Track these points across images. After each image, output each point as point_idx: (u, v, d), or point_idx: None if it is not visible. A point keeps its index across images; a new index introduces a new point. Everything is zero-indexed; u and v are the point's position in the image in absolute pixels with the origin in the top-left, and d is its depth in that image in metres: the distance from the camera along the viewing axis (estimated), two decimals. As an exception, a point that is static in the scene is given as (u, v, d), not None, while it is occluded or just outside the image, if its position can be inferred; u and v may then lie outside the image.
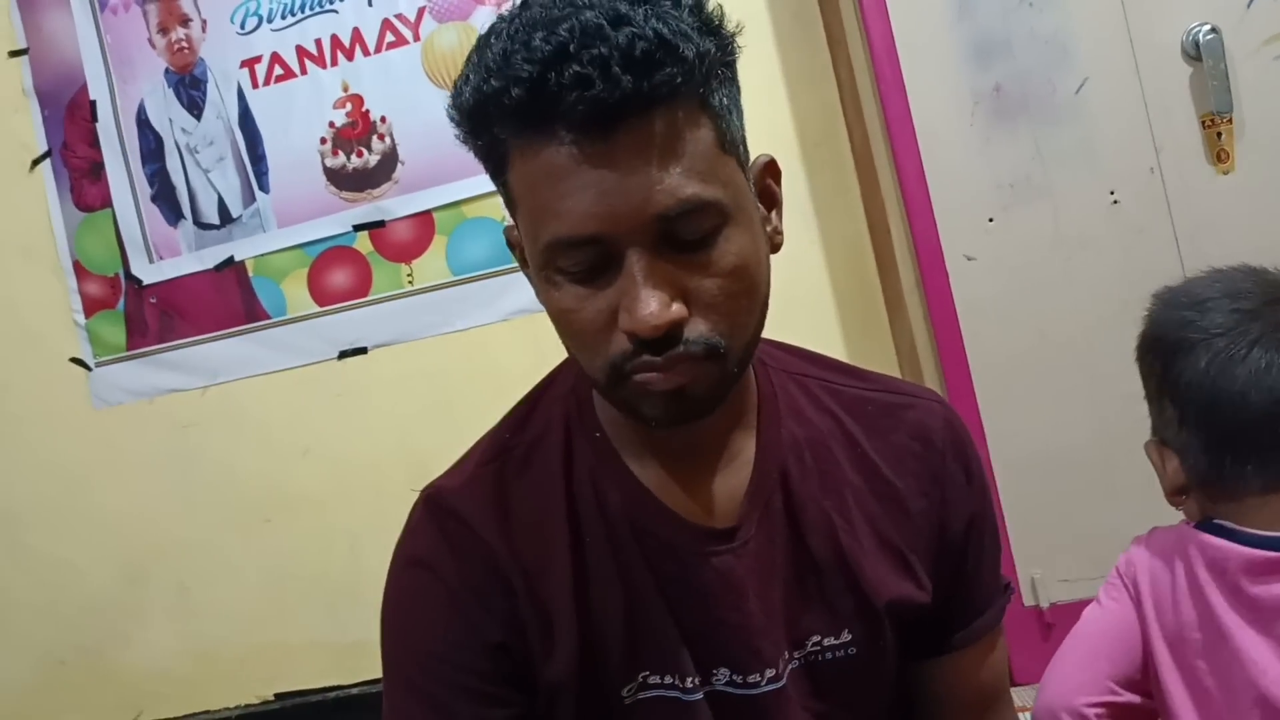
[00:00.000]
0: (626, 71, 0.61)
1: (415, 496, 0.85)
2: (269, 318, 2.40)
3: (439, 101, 2.29)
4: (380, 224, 2.34)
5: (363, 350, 2.38)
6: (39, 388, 2.48)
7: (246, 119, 2.38)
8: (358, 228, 2.35)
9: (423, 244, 2.34)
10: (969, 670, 0.90)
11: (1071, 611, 1.86)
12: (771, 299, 0.75)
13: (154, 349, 2.44)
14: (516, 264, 0.78)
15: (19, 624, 2.53)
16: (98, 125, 2.42)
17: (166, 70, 2.41)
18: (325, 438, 2.40)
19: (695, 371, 0.68)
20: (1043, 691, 0.99)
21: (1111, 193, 1.85)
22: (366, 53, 2.33)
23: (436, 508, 0.82)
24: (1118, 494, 1.84)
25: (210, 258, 2.40)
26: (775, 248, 0.76)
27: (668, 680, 0.80)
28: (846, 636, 0.82)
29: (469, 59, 0.68)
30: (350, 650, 2.38)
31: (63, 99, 2.44)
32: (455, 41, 2.30)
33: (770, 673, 0.80)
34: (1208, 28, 1.78)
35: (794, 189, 2.23)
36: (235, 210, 2.40)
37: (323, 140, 2.36)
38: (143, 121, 2.42)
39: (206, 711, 2.47)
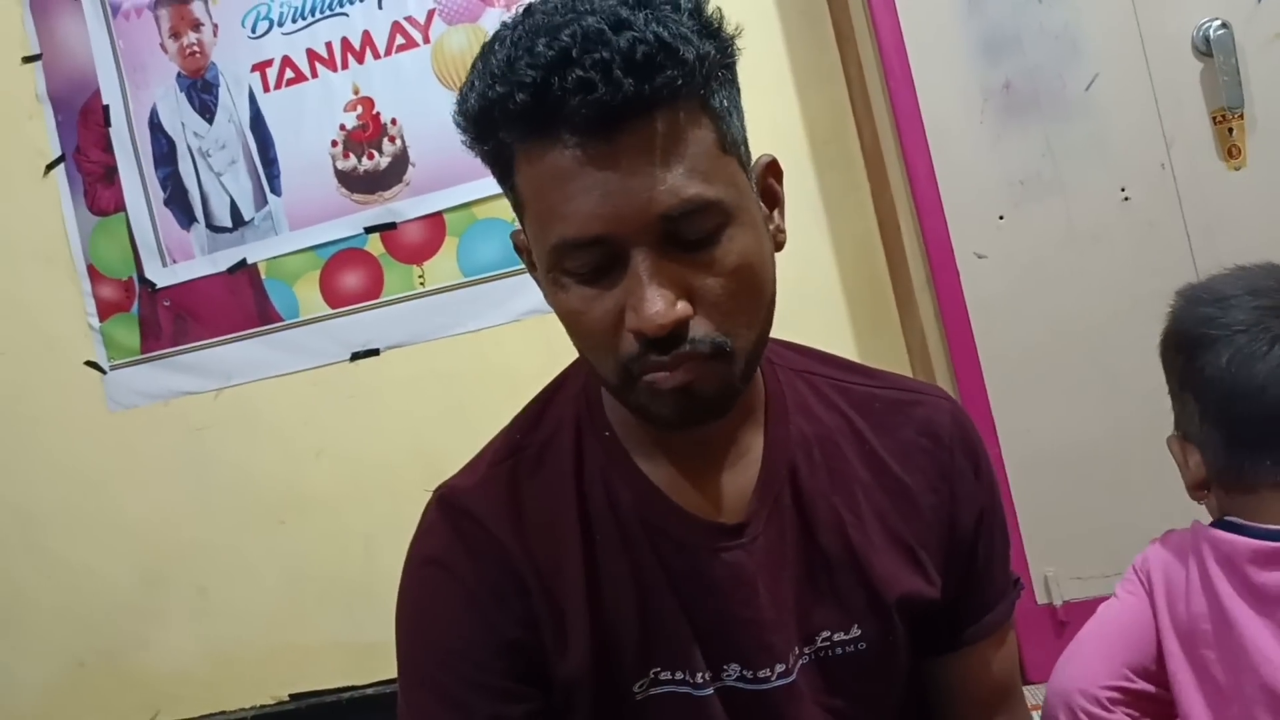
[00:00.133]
0: (628, 75, 0.62)
1: (429, 497, 0.86)
2: (281, 320, 2.42)
3: (449, 103, 2.26)
4: (391, 226, 2.35)
5: (375, 352, 2.39)
6: (55, 391, 2.50)
7: (258, 122, 2.40)
8: (369, 230, 2.36)
9: (434, 245, 2.35)
10: (980, 666, 0.90)
11: (1085, 609, 1.86)
12: (782, 297, 0.75)
13: (168, 352, 2.46)
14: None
15: (38, 626, 2.55)
16: (111, 130, 2.44)
17: (178, 74, 2.42)
18: (338, 439, 2.41)
19: (702, 370, 0.69)
20: (1055, 677, 0.99)
21: (1122, 189, 1.85)
22: (377, 55, 2.34)
23: (450, 507, 0.83)
24: (1131, 491, 1.84)
25: (223, 260, 2.42)
26: (778, 246, 0.76)
27: (679, 676, 0.81)
28: (857, 632, 0.82)
29: (473, 66, 0.70)
30: (366, 651, 2.39)
31: (76, 104, 2.46)
32: (465, 43, 2.31)
33: (780, 668, 0.81)
34: (1218, 23, 1.77)
35: (804, 187, 2.23)
36: (247, 213, 2.41)
37: (334, 143, 2.37)
38: (155, 126, 2.44)
39: (223, 712, 2.48)
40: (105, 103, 2.44)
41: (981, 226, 1.89)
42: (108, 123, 2.44)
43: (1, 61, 2.47)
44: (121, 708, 2.51)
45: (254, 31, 2.38)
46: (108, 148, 2.44)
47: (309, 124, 2.37)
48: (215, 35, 2.40)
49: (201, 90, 2.42)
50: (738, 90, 0.72)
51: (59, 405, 2.50)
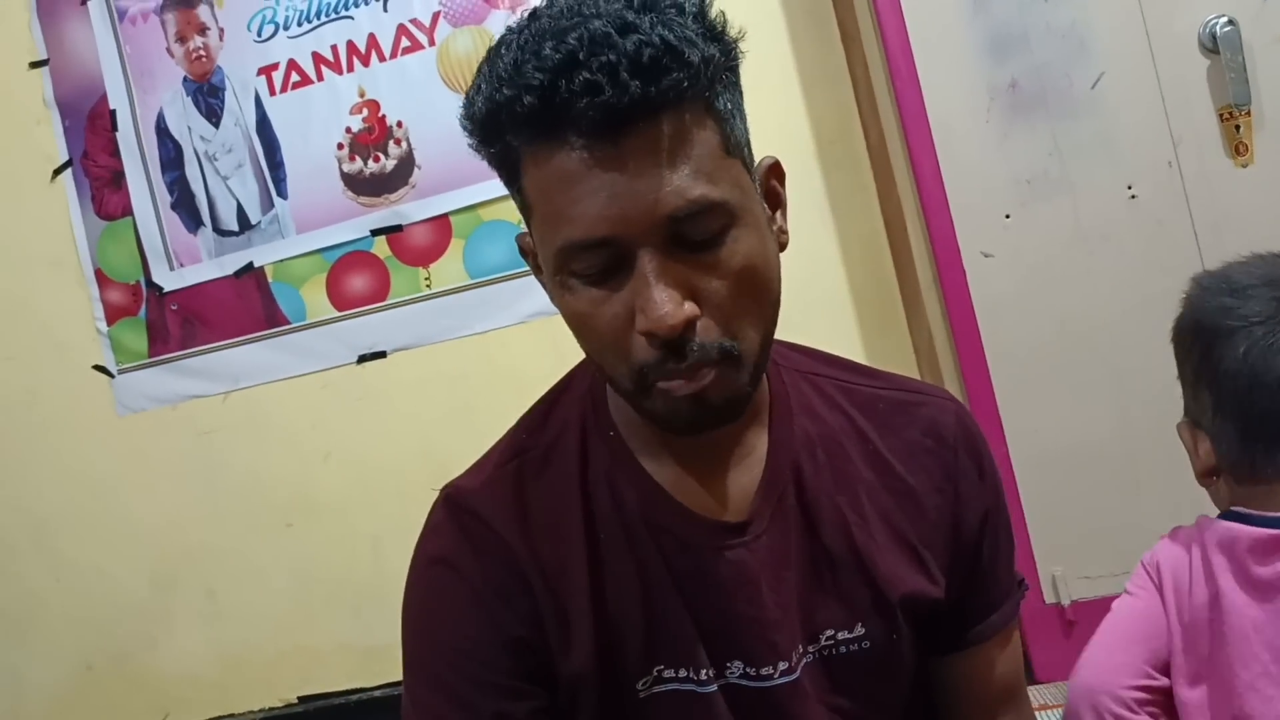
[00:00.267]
0: (634, 77, 0.63)
1: (431, 505, 0.86)
2: (289, 323, 2.42)
3: (455, 106, 2.28)
4: (398, 228, 2.36)
5: (382, 354, 2.40)
6: (63, 395, 2.51)
7: (264, 126, 2.40)
8: (375, 232, 2.37)
9: (440, 248, 2.35)
10: (984, 666, 0.90)
11: (1093, 608, 1.86)
12: (788, 298, 0.76)
13: (176, 355, 2.47)
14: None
15: (47, 629, 2.56)
16: (118, 134, 2.45)
17: (185, 79, 2.43)
18: (346, 442, 2.42)
19: (714, 375, 0.70)
20: (1077, 676, 0.99)
21: (1129, 187, 1.84)
22: (382, 58, 2.35)
23: (456, 507, 0.83)
24: (1139, 490, 1.83)
25: (230, 264, 2.42)
26: (782, 247, 0.77)
27: (683, 674, 0.81)
28: (861, 630, 0.83)
29: (479, 69, 0.70)
30: (374, 653, 2.39)
31: (83, 109, 2.47)
32: (470, 46, 2.31)
33: (784, 665, 0.81)
34: (1224, 20, 1.77)
35: (810, 187, 2.23)
36: (254, 217, 2.42)
37: (340, 146, 2.37)
38: (162, 130, 2.45)
39: (232, 715, 2.49)
40: (112, 107, 2.45)
41: (988, 226, 1.89)
42: (115, 127, 2.45)
43: (9, 67, 2.48)
44: (131, 710, 2.52)
45: (260, 35, 2.39)
46: (115, 152, 2.45)
47: (315, 127, 2.38)
48: (221, 39, 2.41)
49: (208, 94, 2.42)
50: (741, 93, 0.73)
51: (68, 409, 2.51)
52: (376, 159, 2.36)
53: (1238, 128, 1.80)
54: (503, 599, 0.80)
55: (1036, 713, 0.98)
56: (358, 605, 2.41)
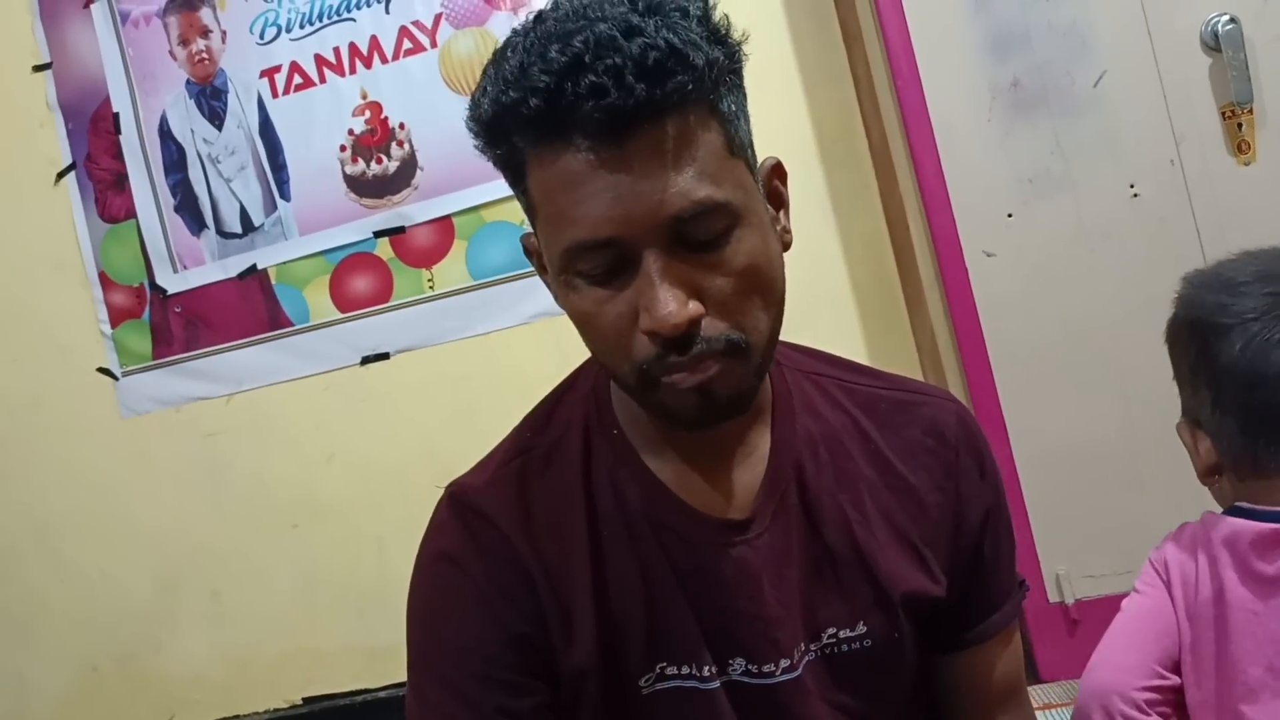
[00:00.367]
0: (640, 80, 0.64)
1: (436, 503, 0.87)
2: (292, 325, 2.43)
3: (457, 107, 2.30)
4: (400, 230, 2.36)
5: (385, 356, 2.40)
6: (68, 398, 2.52)
7: (267, 128, 2.41)
8: (378, 234, 2.37)
9: (443, 249, 2.36)
10: (985, 666, 0.91)
11: (1097, 607, 1.86)
12: (792, 297, 0.77)
13: (179, 358, 2.47)
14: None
15: (52, 631, 2.56)
16: (121, 137, 2.45)
17: (188, 81, 2.44)
18: (350, 443, 2.42)
19: (719, 366, 0.70)
20: (1089, 677, 0.99)
21: (1132, 185, 1.84)
22: (384, 60, 2.35)
23: (460, 505, 0.84)
24: (1143, 488, 1.83)
25: (233, 266, 2.43)
26: (785, 246, 0.77)
27: (685, 670, 0.82)
28: (862, 629, 0.83)
29: (485, 72, 0.71)
30: (379, 654, 2.39)
31: (86, 112, 2.47)
32: (472, 47, 2.31)
33: (785, 663, 0.82)
34: (1226, 18, 1.77)
35: (812, 187, 2.23)
36: (257, 219, 2.42)
37: (342, 148, 2.37)
38: (165, 133, 2.45)
39: (237, 716, 2.49)
40: (115, 110, 2.45)
41: (990, 224, 1.89)
42: (118, 130, 2.45)
43: (12, 70, 2.49)
44: (136, 712, 2.53)
45: (262, 38, 2.40)
46: (118, 155, 2.46)
47: (318, 129, 2.38)
48: (224, 42, 2.41)
49: (211, 97, 2.43)
50: (745, 94, 0.74)
51: (71, 412, 2.52)
52: (379, 161, 2.36)
53: (1240, 126, 1.80)
54: (506, 596, 0.81)
55: (1041, 712, 0.98)
56: (362, 606, 2.41)
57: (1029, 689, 0.99)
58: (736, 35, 0.72)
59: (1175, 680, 0.95)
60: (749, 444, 0.83)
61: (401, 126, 2.35)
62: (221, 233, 2.44)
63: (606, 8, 0.67)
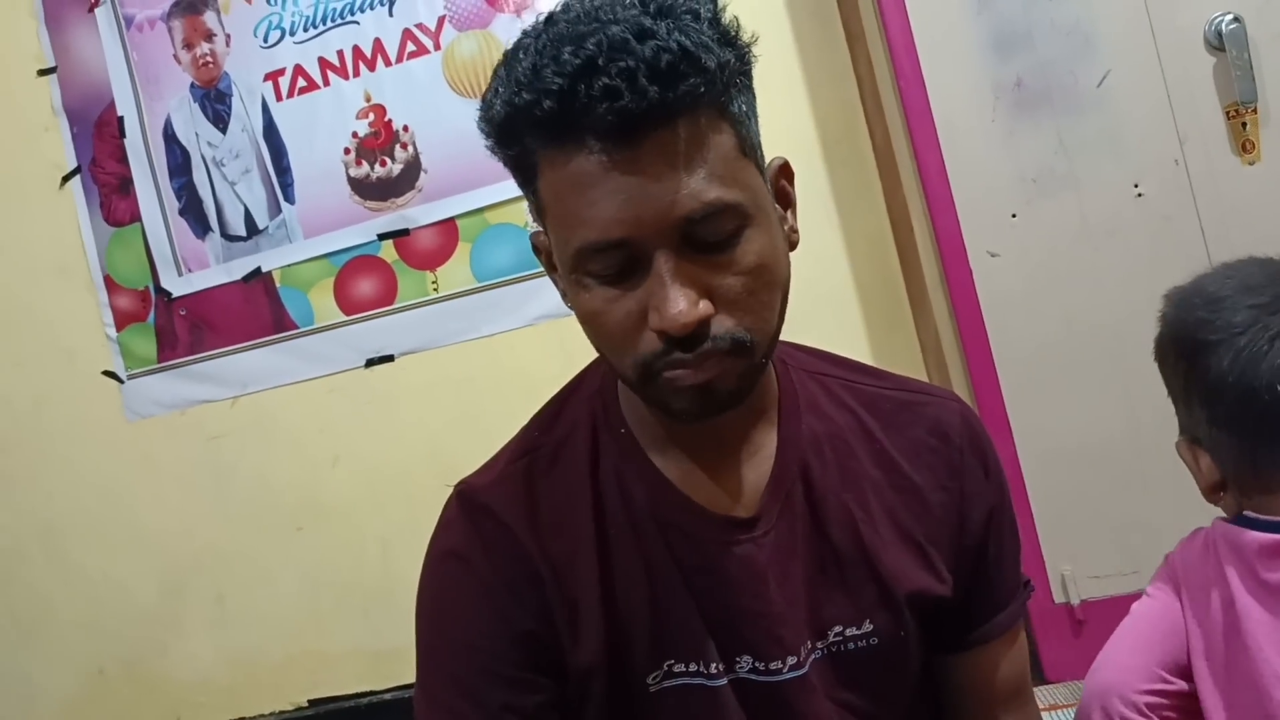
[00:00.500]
0: (653, 83, 0.64)
1: (446, 497, 0.88)
2: (296, 328, 2.43)
3: (461, 110, 2.30)
4: (404, 232, 2.36)
5: (390, 358, 2.40)
6: (73, 401, 2.52)
7: (271, 131, 2.41)
8: (382, 236, 2.37)
9: (447, 251, 2.36)
10: (989, 666, 0.91)
11: (1103, 607, 1.86)
12: (795, 297, 0.77)
13: (184, 361, 2.47)
14: (541, 269, 0.81)
15: (58, 634, 2.57)
16: (126, 141, 2.46)
17: (192, 85, 2.44)
18: (354, 446, 2.42)
19: (723, 366, 0.71)
20: (1092, 678, 0.99)
21: (1136, 185, 1.84)
22: (388, 63, 2.35)
23: (469, 503, 0.85)
24: (1148, 488, 1.83)
25: (238, 269, 2.43)
26: (792, 245, 0.78)
27: (693, 668, 0.82)
28: (868, 627, 0.84)
29: (496, 73, 0.71)
30: (384, 656, 2.40)
31: (91, 116, 2.48)
32: (475, 49, 2.31)
33: (792, 660, 0.82)
34: (1230, 16, 1.76)
35: (816, 187, 2.23)
36: (262, 222, 2.42)
37: (346, 150, 2.38)
38: (169, 136, 2.46)
39: (242, 719, 2.49)
40: (120, 114, 2.46)
41: (994, 224, 1.89)
42: (123, 134, 2.46)
43: (17, 75, 2.49)
44: (142, 715, 2.53)
45: (266, 41, 2.40)
46: (123, 159, 2.46)
47: (321, 132, 2.38)
48: (228, 45, 2.42)
49: (215, 100, 2.43)
50: (754, 95, 0.74)
51: (77, 415, 2.52)
52: (383, 163, 2.36)
53: (1244, 125, 1.80)
54: (513, 593, 0.81)
55: (1047, 713, 0.98)
56: (367, 608, 2.41)
57: (1034, 689, 0.99)
58: (746, 37, 0.72)
59: (1181, 685, 0.95)
60: (755, 443, 0.84)
61: (405, 129, 2.35)
62: (226, 236, 2.44)
63: (618, 10, 0.67)
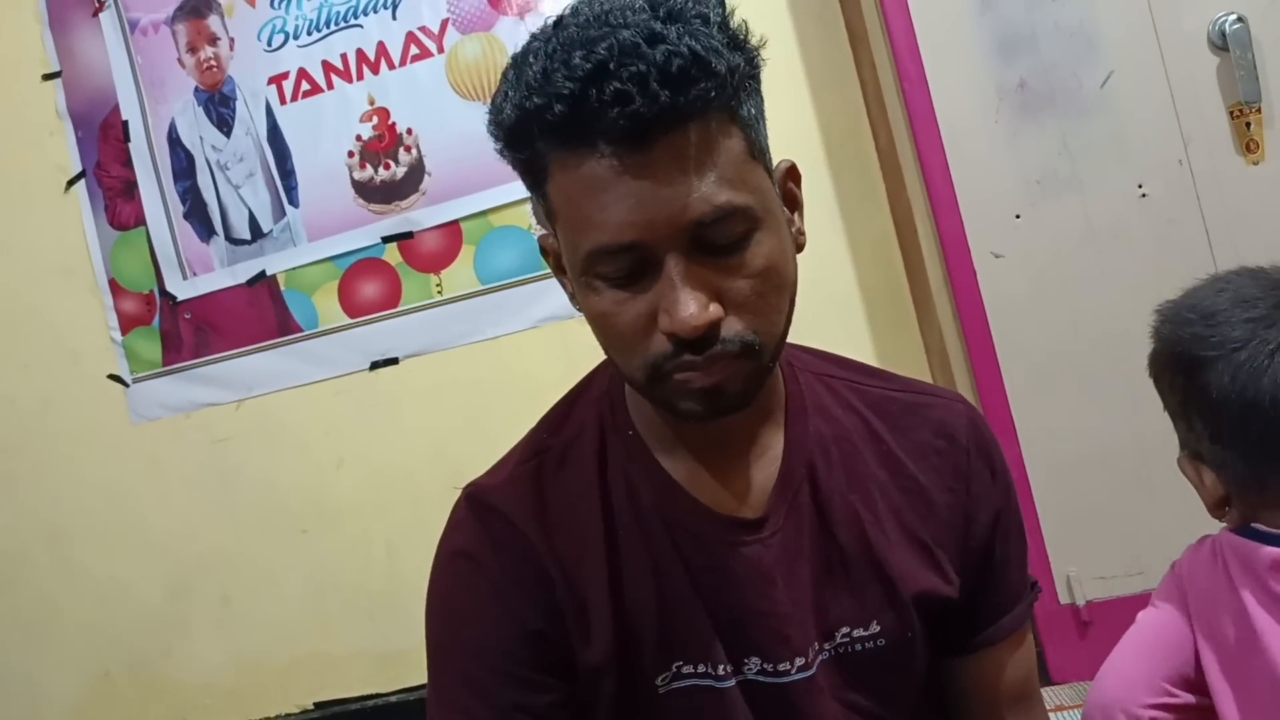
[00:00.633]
0: (664, 87, 0.64)
1: (450, 503, 0.88)
2: (301, 330, 2.43)
3: (464, 113, 2.31)
4: (409, 235, 2.37)
5: (394, 361, 2.40)
6: (78, 404, 2.53)
7: (275, 135, 2.41)
8: (386, 239, 2.37)
9: (451, 254, 2.36)
10: (996, 668, 0.91)
11: (1108, 609, 1.85)
12: (800, 300, 0.77)
13: (189, 364, 2.48)
14: (547, 271, 0.81)
15: (64, 637, 2.57)
16: (130, 145, 2.46)
17: (196, 89, 2.45)
18: (359, 448, 2.42)
19: (732, 369, 0.71)
20: (1096, 688, 0.98)
21: (1140, 186, 1.84)
22: (392, 66, 2.36)
23: (478, 504, 0.85)
24: (1153, 490, 1.82)
25: (242, 272, 2.44)
26: (799, 247, 0.78)
27: (701, 669, 0.82)
28: (875, 628, 0.84)
29: (505, 77, 0.72)
30: (389, 659, 2.39)
31: (96, 120, 2.48)
32: (479, 52, 2.32)
33: (800, 661, 0.82)
34: (1234, 17, 1.76)
35: (820, 189, 2.23)
36: (266, 225, 2.43)
37: (350, 154, 2.38)
38: (174, 140, 2.46)
39: (248, 721, 2.50)
40: (124, 118, 2.47)
41: (998, 226, 1.89)
42: (127, 138, 2.46)
43: (22, 79, 2.50)
44: (147, 718, 2.53)
45: (270, 45, 2.40)
46: (127, 163, 2.47)
47: (325, 135, 2.39)
48: (232, 49, 2.42)
49: (219, 104, 2.44)
50: (762, 99, 0.75)
51: (82, 418, 2.53)
52: (387, 166, 2.37)
53: (1248, 125, 1.80)
54: (523, 592, 0.82)
55: (1053, 714, 0.98)
56: (372, 611, 2.41)
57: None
58: (754, 41, 0.72)
59: (1186, 699, 0.94)
60: (762, 444, 0.84)
61: (409, 132, 2.36)
62: (230, 239, 2.45)
63: (628, 14, 0.67)
